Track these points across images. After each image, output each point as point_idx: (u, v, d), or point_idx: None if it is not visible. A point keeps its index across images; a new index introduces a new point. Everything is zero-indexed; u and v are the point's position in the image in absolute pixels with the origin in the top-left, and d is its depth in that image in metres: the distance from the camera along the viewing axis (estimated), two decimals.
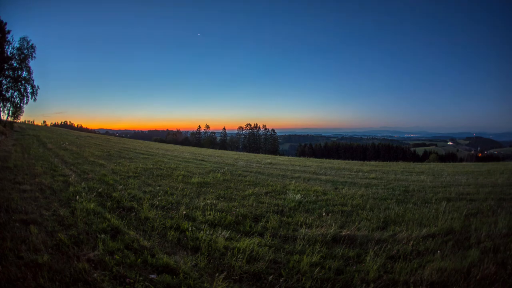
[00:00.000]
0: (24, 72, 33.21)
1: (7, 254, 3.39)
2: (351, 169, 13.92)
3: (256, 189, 7.75)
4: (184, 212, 5.29)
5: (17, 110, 33.85)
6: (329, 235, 4.48)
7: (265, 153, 43.37)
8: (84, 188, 6.76)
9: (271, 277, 3.33)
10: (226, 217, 5.15)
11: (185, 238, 4.21)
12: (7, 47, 31.56)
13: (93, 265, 3.32)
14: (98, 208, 5.21)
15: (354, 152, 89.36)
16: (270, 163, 15.07)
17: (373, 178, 10.78)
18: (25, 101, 34.00)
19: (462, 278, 3.32)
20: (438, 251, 4.03)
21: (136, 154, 16.12)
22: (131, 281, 3.06)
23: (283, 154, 75.17)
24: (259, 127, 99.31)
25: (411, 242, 4.31)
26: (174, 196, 6.50)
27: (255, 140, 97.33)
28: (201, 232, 4.42)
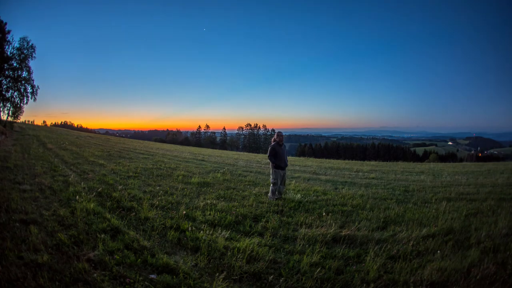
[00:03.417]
0: (24, 72, 33.15)
1: (7, 254, 3.39)
2: (351, 169, 13.91)
3: (256, 189, 7.75)
4: (184, 212, 5.29)
5: (17, 110, 33.77)
6: (329, 235, 4.48)
7: (265, 153, 43.34)
8: (84, 188, 6.75)
9: (271, 277, 3.33)
10: (226, 217, 5.15)
11: (185, 238, 4.21)
12: (7, 47, 31.48)
13: (93, 265, 3.32)
14: (98, 208, 5.21)
15: (354, 152, 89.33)
16: None
17: (373, 178, 10.78)
18: (25, 101, 33.93)
19: (462, 278, 3.31)
20: (438, 251, 4.03)
21: (136, 154, 16.12)
22: (131, 281, 3.06)
23: None
24: (259, 127, 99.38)
25: (411, 242, 4.30)
26: (174, 196, 6.49)
27: (255, 140, 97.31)
28: (201, 232, 4.42)
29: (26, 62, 32.90)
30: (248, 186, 8.10)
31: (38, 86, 34.53)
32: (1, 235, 3.90)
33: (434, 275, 3.37)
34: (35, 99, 34.63)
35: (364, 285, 3.23)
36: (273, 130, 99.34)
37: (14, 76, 32.44)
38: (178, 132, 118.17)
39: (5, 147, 15.23)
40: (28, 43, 32.81)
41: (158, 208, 5.54)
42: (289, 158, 23.95)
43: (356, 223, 5.14)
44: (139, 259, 3.50)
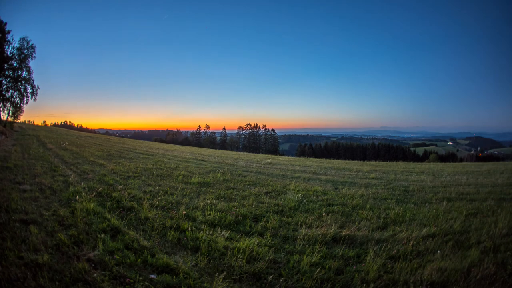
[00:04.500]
0: (24, 72, 33.23)
1: (7, 254, 3.39)
2: (351, 169, 13.91)
3: (256, 189, 7.75)
4: (184, 212, 5.29)
5: (17, 110, 33.84)
6: (329, 235, 4.48)
7: (265, 153, 43.41)
8: (84, 188, 6.75)
9: (271, 277, 3.33)
10: (226, 217, 5.15)
11: (185, 238, 4.21)
12: (7, 47, 31.54)
13: (93, 265, 3.32)
14: (98, 208, 5.21)
15: (354, 152, 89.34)
16: (270, 163, 15.06)
17: (373, 178, 10.78)
18: (25, 101, 34.04)
19: (462, 278, 3.31)
20: (438, 251, 4.03)
21: (136, 154, 16.12)
22: (131, 281, 3.06)
23: (283, 154, 75.15)
24: (259, 127, 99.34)
25: (411, 242, 4.30)
26: (174, 196, 6.49)
27: (255, 140, 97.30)
28: (201, 232, 4.42)
29: (26, 62, 32.96)
30: (248, 186, 8.10)
31: (38, 86, 34.66)
32: (1, 235, 3.90)
33: (434, 275, 3.37)
34: (35, 99, 34.70)
35: (364, 285, 3.24)
36: (273, 130, 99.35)
37: (14, 76, 32.46)
38: (178, 132, 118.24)
39: (5, 147, 15.23)
40: (28, 43, 32.89)
41: (158, 208, 5.54)
42: (289, 158, 23.92)
43: (356, 223, 5.14)
44: (139, 259, 3.50)
